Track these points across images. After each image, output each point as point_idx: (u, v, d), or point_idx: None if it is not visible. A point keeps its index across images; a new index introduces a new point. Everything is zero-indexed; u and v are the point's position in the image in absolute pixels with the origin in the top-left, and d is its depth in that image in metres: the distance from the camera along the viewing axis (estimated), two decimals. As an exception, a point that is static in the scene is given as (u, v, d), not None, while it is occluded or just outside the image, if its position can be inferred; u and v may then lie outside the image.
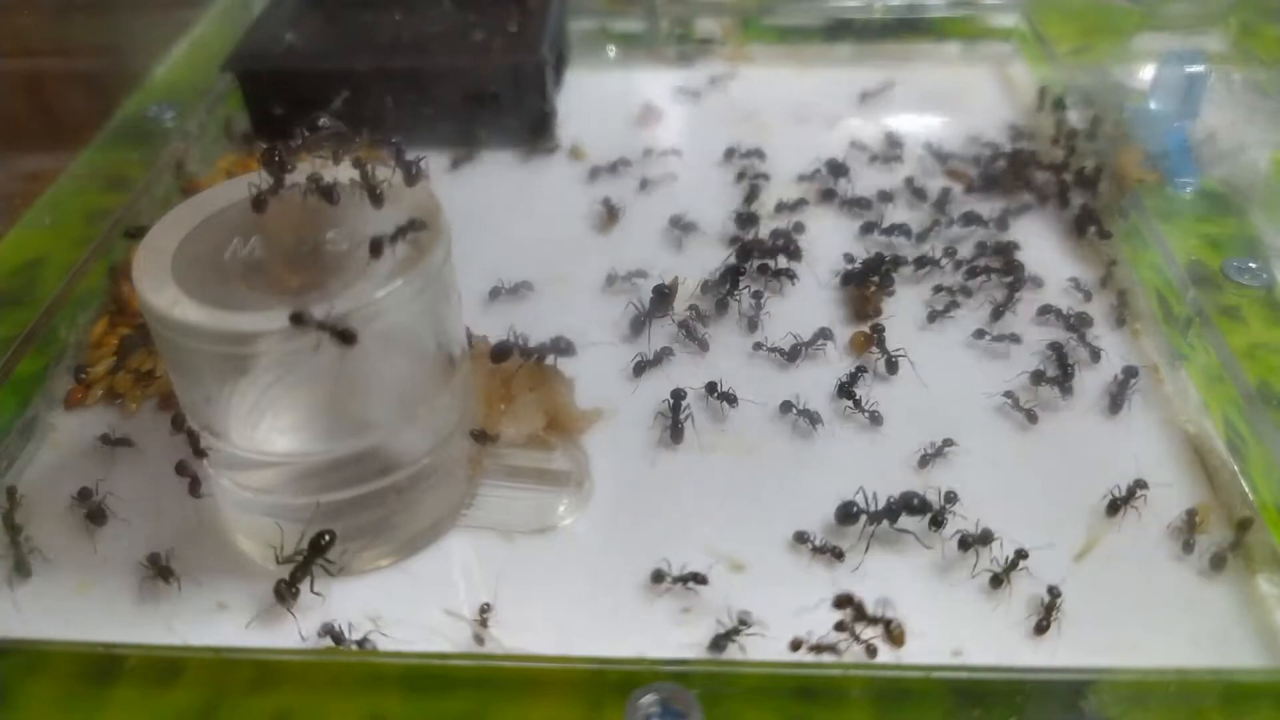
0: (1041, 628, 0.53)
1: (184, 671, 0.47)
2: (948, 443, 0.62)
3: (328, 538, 0.53)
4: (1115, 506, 0.58)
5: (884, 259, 0.76)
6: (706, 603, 0.55)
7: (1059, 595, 0.54)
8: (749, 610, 0.53)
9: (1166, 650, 0.52)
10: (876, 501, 0.57)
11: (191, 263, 0.51)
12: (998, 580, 0.55)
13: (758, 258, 0.77)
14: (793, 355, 0.69)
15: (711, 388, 0.66)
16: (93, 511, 0.59)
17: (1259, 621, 0.54)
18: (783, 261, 0.77)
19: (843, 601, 0.53)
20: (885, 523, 0.57)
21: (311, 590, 0.54)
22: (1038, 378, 0.67)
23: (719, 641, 0.52)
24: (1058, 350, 0.68)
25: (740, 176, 0.88)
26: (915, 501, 0.57)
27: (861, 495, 0.58)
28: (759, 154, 0.90)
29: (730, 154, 0.91)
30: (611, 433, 0.65)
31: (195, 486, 0.59)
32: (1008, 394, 0.66)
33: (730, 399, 0.66)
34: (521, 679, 0.46)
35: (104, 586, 0.56)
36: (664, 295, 0.74)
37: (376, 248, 0.50)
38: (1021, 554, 0.55)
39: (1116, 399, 0.66)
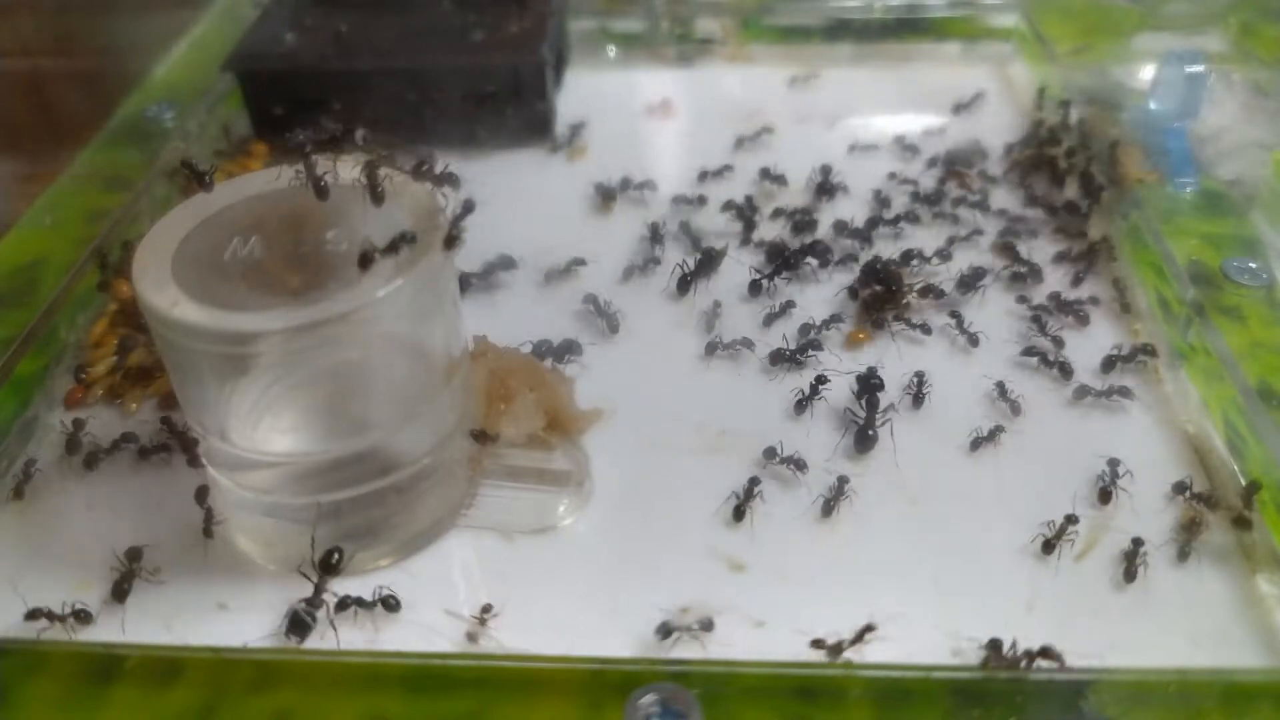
0: (1130, 575, 0.55)
1: (184, 671, 0.47)
2: (999, 429, 0.63)
3: (337, 556, 0.53)
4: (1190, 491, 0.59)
5: (877, 269, 0.75)
6: (706, 603, 0.55)
7: (1142, 544, 0.56)
8: (710, 618, 0.53)
9: (1166, 650, 0.52)
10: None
11: (191, 263, 0.51)
12: (1049, 546, 0.56)
13: (791, 263, 0.77)
14: (775, 358, 0.69)
15: (771, 453, 0.63)
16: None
17: (1259, 621, 0.54)
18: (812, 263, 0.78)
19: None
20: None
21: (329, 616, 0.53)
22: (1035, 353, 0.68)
23: (666, 628, 0.52)
24: (1039, 354, 0.68)
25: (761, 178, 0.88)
26: (874, 380, 0.65)
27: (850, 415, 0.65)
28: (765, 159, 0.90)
29: (740, 142, 0.92)
30: (611, 433, 0.65)
31: (209, 520, 0.58)
32: (999, 384, 0.66)
33: (799, 464, 0.61)
34: (521, 679, 0.46)
35: (105, 586, 0.56)
36: (711, 258, 0.75)
37: (365, 261, 0.50)
38: (1072, 519, 0.57)
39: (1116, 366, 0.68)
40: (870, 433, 0.62)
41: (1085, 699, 0.45)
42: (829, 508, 0.59)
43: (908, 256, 0.77)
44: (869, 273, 0.75)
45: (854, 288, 0.75)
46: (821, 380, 0.66)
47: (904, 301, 0.73)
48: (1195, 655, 0.52)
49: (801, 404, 0.65)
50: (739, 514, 0.59)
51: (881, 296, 0.73)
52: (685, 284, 0.75)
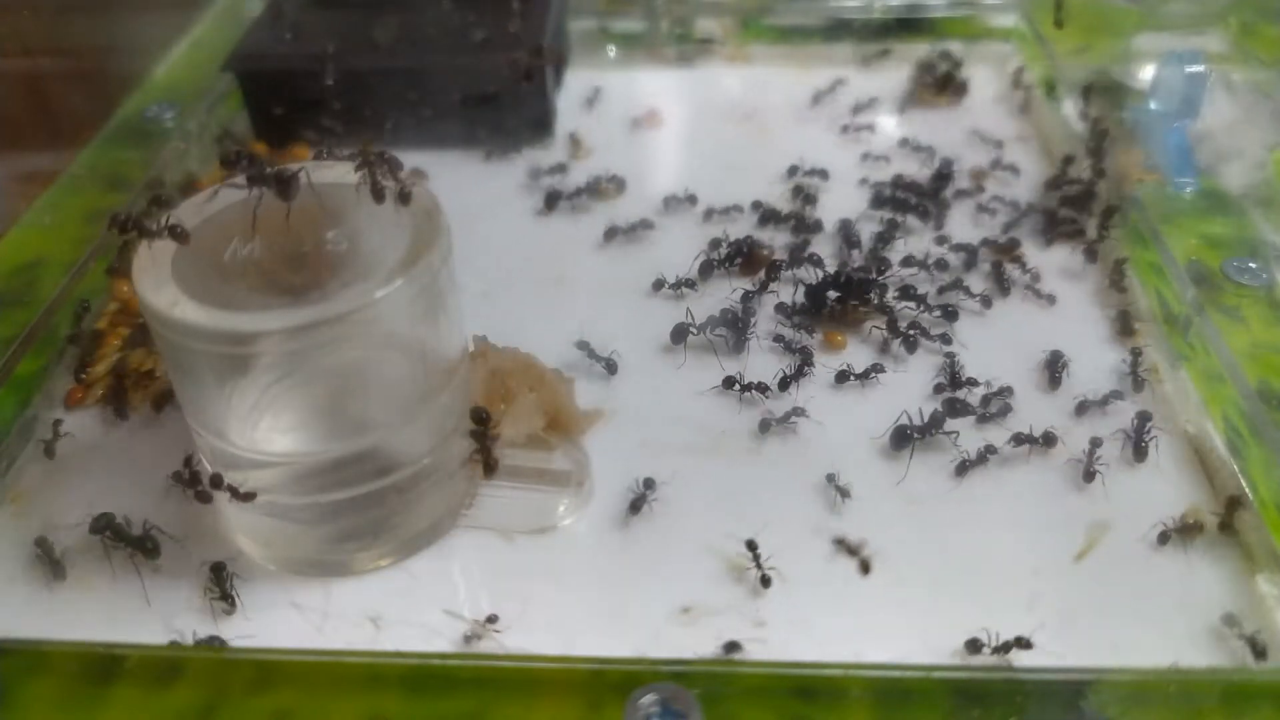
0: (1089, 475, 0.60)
1: (184, 671, 0.47)
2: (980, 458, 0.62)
3: (151, 545, 0.56)
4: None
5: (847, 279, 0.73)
6: (706, 603, 0.55)
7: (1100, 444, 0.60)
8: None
9: (1166, 650, 0.52)
10: (921, 417, 0.63)
11: (191, 263, 0.51)
12: (1165, 537, 0.57)
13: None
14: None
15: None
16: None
17: (1259, 621, 0.54)
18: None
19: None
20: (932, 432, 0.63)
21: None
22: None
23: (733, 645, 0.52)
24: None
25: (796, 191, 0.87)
26: (957, 405, 0.64)
27: (906, 416, 0.63)
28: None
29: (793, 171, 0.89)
30: (611, 433, 0.65)
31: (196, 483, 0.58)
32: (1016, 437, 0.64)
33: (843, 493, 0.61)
34: (521, 679, 0.46)
35: (105, 585, 0.56)
36: (748, 257, 0.76)
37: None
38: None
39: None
40: (913, 435, 0.62)
41: (1085, 699, 0.45)
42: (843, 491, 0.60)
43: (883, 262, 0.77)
44: (841, 282, 0.73)
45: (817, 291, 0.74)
46: (762, 387, 0.66)
47: (872, 305, 0.72)
48: (1195, 655, 0.52)
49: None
50: (974, 647, 0.53)
51: (851, 300, 0.72)
52: (708, 268, 0.76)
